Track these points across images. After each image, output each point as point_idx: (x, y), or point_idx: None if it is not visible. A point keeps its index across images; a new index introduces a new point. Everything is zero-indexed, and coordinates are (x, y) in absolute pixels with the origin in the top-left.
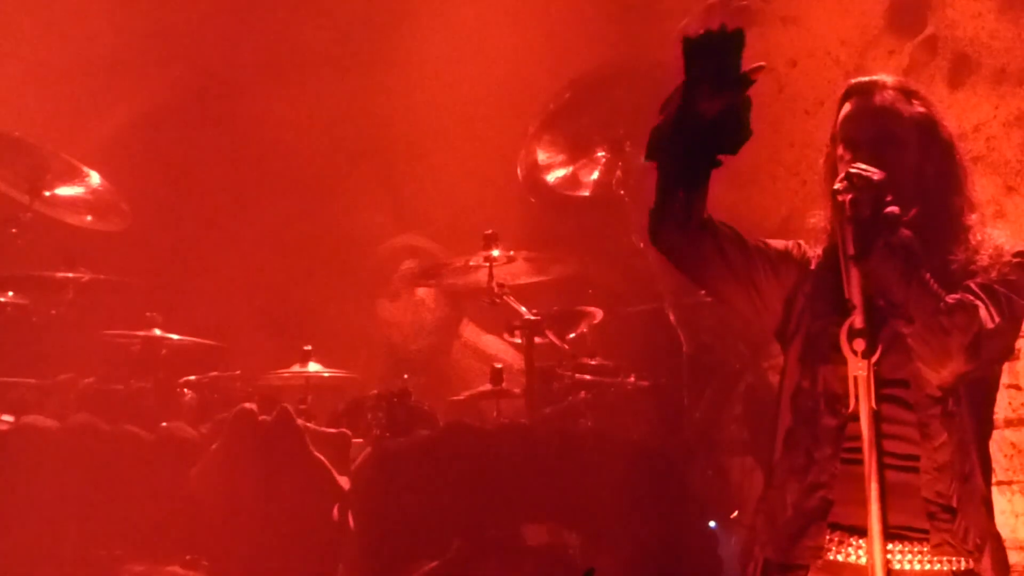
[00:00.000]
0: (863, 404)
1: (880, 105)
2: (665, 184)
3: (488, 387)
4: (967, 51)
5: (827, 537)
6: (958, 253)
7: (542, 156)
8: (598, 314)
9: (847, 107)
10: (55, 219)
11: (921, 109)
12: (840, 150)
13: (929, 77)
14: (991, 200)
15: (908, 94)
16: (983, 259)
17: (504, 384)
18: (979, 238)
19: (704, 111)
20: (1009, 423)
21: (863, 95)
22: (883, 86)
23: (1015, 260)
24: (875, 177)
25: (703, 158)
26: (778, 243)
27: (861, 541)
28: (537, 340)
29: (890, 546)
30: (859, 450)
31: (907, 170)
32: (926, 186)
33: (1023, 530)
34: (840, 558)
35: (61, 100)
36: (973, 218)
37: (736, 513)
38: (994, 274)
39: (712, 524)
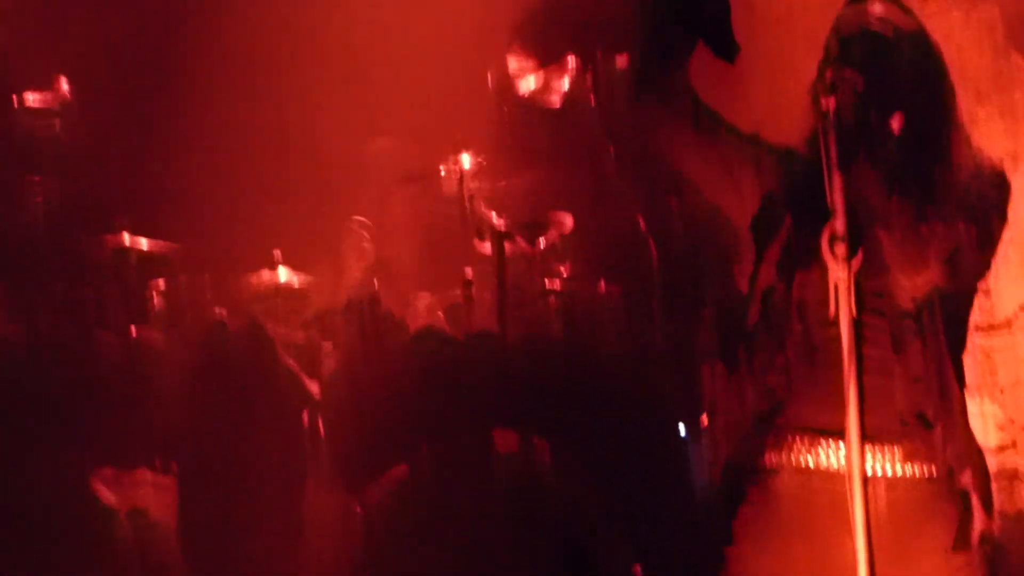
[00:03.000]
0: (843, 309)
1: (877, 15)
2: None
3: (458, 294)
4: None
5: (796, 440)
6: (939, 170)
7: (513, 64)
8: (568, 221)
9: (845, 14)
10: (23, 126)
11: (915, 25)
12: (832, 59)
13: None
14: (963, 108)
15: (903, 8)
16: (964, 177)
17: (474, 291)
18: (960, 158)
19: None
20: (979, 328)
21: (862, 3)
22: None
23: (993, 180)
24: (860, 84)
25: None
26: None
27: (832, 444)
28: (507, 247)
29: (866, 449)
30: (830, 354)
31: (896, 83)
32: (913, 101)
33: (992, 435)
34: (811, 460)
35: (27, 6)
36: (956, 137)
37: (705, 418)
38: (974, 191)
39: (681, 429)
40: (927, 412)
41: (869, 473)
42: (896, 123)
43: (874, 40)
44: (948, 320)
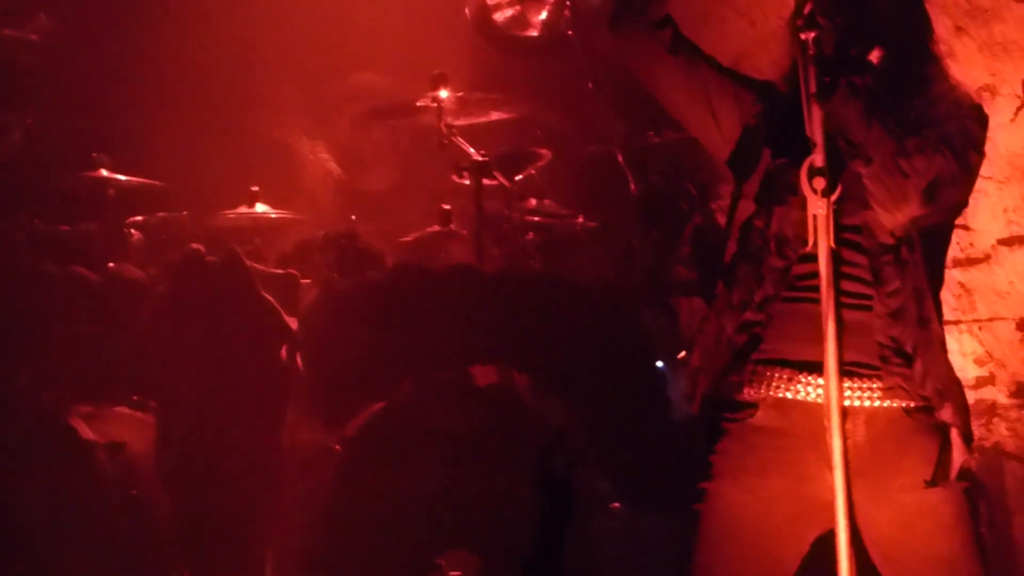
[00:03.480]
0: (821, 242)
1: None
2: None
3: (436, 228)
4: None
5: (775, 374)
6: (916, 103)
7: None
8: (547, 155)
9: None
10: (1, 60)
11: None
12: None
13: None
14: (941, 40)
15: None
16: (941, 111)
17: (452, 225)
18: (938, 92)
19: None
20: (957, 263)
21: None
22: None
23: (972, 113)
24: (839, 17)
25: None
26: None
27: (810, 378)
28: (485, 181)
29: (845, 383)
30: (808, 289)
31: (873, 15)
32: (890, 34)
33: (971, 369)
34: (789, 395)
35: None
36: (933, 71)
37: (683, 354)
38: (952, 126)
39: (660, 364)
40: (906, 346)
41: (847, 405)
42: (875, 56)
43: None
44: (927, 254)
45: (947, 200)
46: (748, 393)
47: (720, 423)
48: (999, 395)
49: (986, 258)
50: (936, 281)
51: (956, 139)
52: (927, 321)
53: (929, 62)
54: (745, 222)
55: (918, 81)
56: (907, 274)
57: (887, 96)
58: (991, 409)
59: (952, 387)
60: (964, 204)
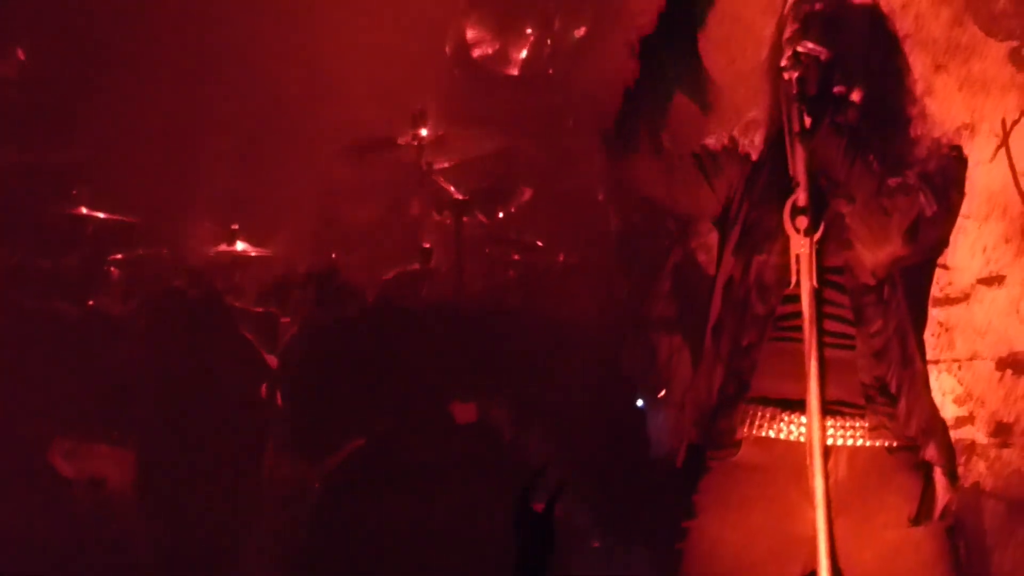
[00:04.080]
0: (804, 281)
1: None
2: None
3: (416, 266)
4: None
5: (758, 412)
6: (897, 144)
7: (470, 33)
8: (527, 193)
9: None
10: None
11: (871, 2)
12: (788, 33)
13: None
14: (920, 78)
15: None
16: (922, 151)
17: (432, 263)
18: (918, 132)
19: None
20: (937, 302)
21: None
22: None
23: (952, 153)
24: (823, 56)
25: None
26: (714, 141)
27: (793, 416)
28: (465, 219)
29: (828, 421)
30: (791, 328)
31: (854, 57)
32: (870, 75)
33: (950, 408)
34: (772, 434)
35: None
36: (913, 111)
37: (664, 392)
38: (932, 165)
39: (639, 402)
40: (891, 386)
41: (830, 443)
42: (856, 96)
43: (831, 15)
44: (909, 294)
45: (929, 239)
46: (731, 430)
47: (703, 461)
48: (978, 434)
49: (965, 297)
50: (919, 320)
51: (937, 178)
52: (910, 360)
53: (908, 102)
54: (728, 275)
55: (898, 121)
56: (889, 314)
57: (869, 134)
58: (970, 448)
59: (936, 426)
60: (945, 243)
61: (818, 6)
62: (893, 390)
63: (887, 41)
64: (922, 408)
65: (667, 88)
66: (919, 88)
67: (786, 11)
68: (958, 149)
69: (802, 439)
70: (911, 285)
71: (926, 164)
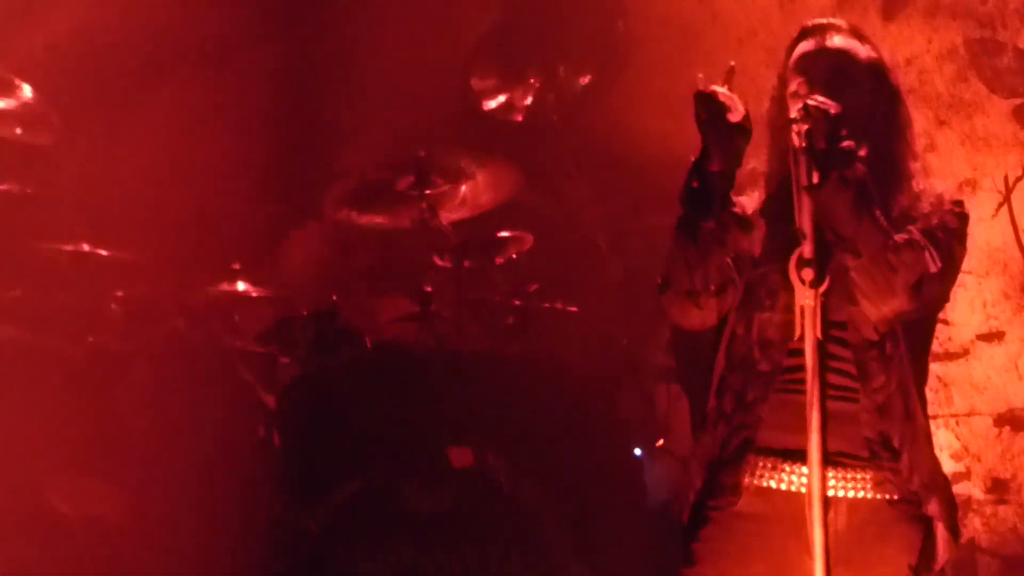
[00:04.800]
0: (808, 333)
1: (838, 47)
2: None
3: (416, 309)
4: None
5: (759, 463)
6: (900, 199)
7: (474, 81)
8: (528, 239)
9: (804, 45)
10: None
11: (874, 55)
12: (794, 86)
13: (863, 8)
14: (923, 133)
15: (861, 38)
16: (924, 206)
17: (432, 307)
18: (920, 187)
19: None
20: (936, 357)
21: (821, 35)
22: (839, 28)
23: (955, 209)
24: (832, 110)
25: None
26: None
27: (795, 467)
28: (466, 263)
29: (829, 473)
30: (795, 381)
31: (859, 111)
32: (874, 130)
33: (947, 464)
34: (772, 484)
35: None
36: (915, 167)
37: (661, 441)
38: (935, 221)
39: (637, 451)
40: (893, 441)
41: (831, 494)
42: (862, 151)
43: (837, 68)
44: (912, 349)
45: (932, 294)
46: (732, 481)
47: (703, 510)
48: (975, 490)
49: (964, 352)
50: (921, 375)
51: (939, 233)
52: (913, 415)
53: (910, 156)
54: (731, 333)
55: (901, 175)
56: (892, 369)
57: (875, 190)
58: (967, 504)
59: (939, 481)
60: (946, 299)
61: (823, 60)
62: (896, 445)
63: (890, 96)
64: (924, 463)
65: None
66: (920, 144)
67: (790, 64)
68: (960, 204)
69: (803, 490)
70: (913, 340)
71: (929, 219)
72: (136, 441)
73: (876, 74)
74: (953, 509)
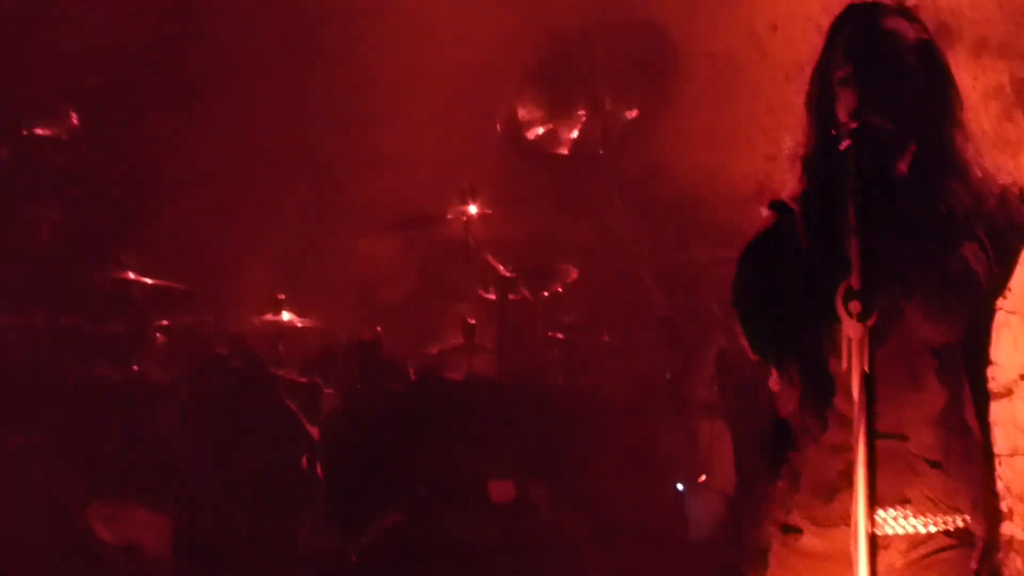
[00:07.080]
0: (855, 368)
1: (888, 28)
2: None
3: (460, 341)
4: (947, 21)
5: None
6: (961, 192)
7: (522, 112)
8: (573, 272)
9: (853, 26)
10: (32, 158)
11: (923, 35)
12: (841, 72)
13: None
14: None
15: (910, 19)
16: (991, 202)
17: (476, 339)
18: (980, 173)
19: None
20: None
21: (869, 16)
22: (888, 8)
23: (1018, 203)
24: (887, 127)
25: None
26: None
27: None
28: (511, 296)
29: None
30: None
31: (909, 99)
32: (924, 118)
33: None
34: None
35: (38, 37)
36: (971, 150)
37: (704, 476)
38: (1002, 219)
39: (679, 486)
40: (938, 456)
41: (880, 533)
42: (904, 165)
43: (884, 57)
44: (968, 360)
45: (989, 303)
46: (791, 518)
47: (762, 545)
48: (1017, 530)
49: (1008, 392)
50: (978, 387)
51: (1010, 235)
52: (968, 430)
53: (964, 143)
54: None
55: (958, 165)
56: (947, 380)
57: (928, 191)
58: (1008, 544)
59: (985, 496)
60: (1003, 290)
61: (872, 45)
62: (941, 460)
63: (939, 77)
64: (972, 479)
65: None
66: (972, 125)
67: (836, 50)
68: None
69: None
70: (969, 349)
71: (996, 218)
72: (179, 469)
73: (925, 55)
74: (996, 533)
